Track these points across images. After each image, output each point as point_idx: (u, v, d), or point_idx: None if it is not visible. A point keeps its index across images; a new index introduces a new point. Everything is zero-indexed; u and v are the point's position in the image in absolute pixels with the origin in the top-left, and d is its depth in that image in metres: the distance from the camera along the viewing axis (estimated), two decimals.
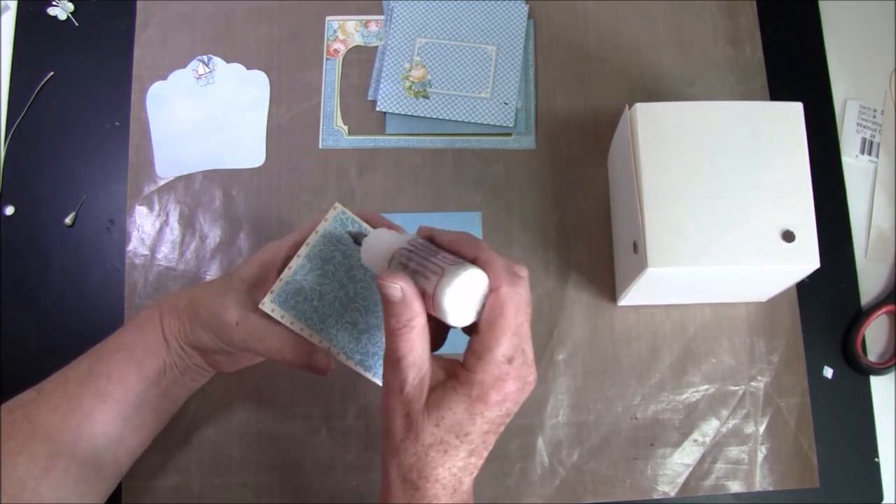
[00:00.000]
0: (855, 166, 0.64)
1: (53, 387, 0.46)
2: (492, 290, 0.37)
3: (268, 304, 0.46)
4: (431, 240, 0.41)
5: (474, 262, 0.38)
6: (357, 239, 0.46)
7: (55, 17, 0.65)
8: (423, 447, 0.37)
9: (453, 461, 0.38)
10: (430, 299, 0.37)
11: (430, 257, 0.39)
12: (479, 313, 0.38)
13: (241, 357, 0.53)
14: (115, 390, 0.46)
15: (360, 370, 0.47)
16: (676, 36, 0.65)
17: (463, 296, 0.37)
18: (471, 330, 0.39)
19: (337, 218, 0.46)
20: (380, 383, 0.46)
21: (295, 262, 0.46)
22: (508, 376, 0.37)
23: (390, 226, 0.48)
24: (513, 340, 0.37)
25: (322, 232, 0.46)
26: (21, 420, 0.45)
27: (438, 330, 0.42)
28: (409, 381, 0.38)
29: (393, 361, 0.38)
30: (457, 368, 0.38)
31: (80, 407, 0.45)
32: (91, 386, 0.46)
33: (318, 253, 0.46)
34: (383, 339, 0.45)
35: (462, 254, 0.39)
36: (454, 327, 0.38)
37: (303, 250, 0.46)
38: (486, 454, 0.39)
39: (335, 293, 0.47)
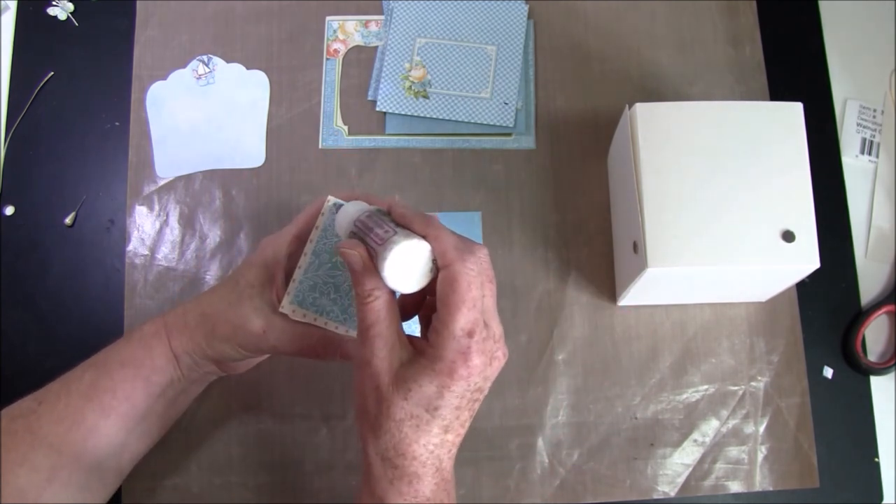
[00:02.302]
0: (855, 166, 0.64)
1: (55, 398, 0.45)
2: (443, 266, 0.38)
3: (287, 307, 0.46)
4: (389, 213, 0.42)
5: (424, 238, 0.39)
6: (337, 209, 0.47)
7: (55, 17, 0.65)
8: (395, 423, 0.37)
9: (428, 437, 0.38)
10: None
11: (377, 228, 0.40)
12: (426, 284, 0.39)
13: (253, 359, 0.52)
14: (120, 405, 0.45)
15: None
16: (676, 36, 0.65)
17: (403, 264, 0.38)
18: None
19: (332, 210, 0.47)
20: None
21: (303, 261, 0.46)
22: (471, 350, 0.37)
23: (382, 203, 0.47)
24: (469, 315, 0.37)
25: (322, 227, 0.47)
26: (22, 431, 0.44)
27: (411, 305, 0.43)
28: (376, 352, 0.38)
29: (361, 332, 0.39)
30: (423, 345, 0.39)
31: (85, 420, 0.45)
32: (95, 400, 0.45)
33: (323, 247, 0.47)
34: None
35: (412, 229, 0.39)
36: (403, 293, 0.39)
37: (308, 248, 0.46)
38: (462, 432, 0.39)
39: (349, 282, 0.47)
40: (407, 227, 0.40)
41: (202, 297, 0.48)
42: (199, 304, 0.47)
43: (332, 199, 0.47)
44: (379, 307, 0.39)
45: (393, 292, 0.40)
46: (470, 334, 0.37)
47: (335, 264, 0.47)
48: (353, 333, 0.47)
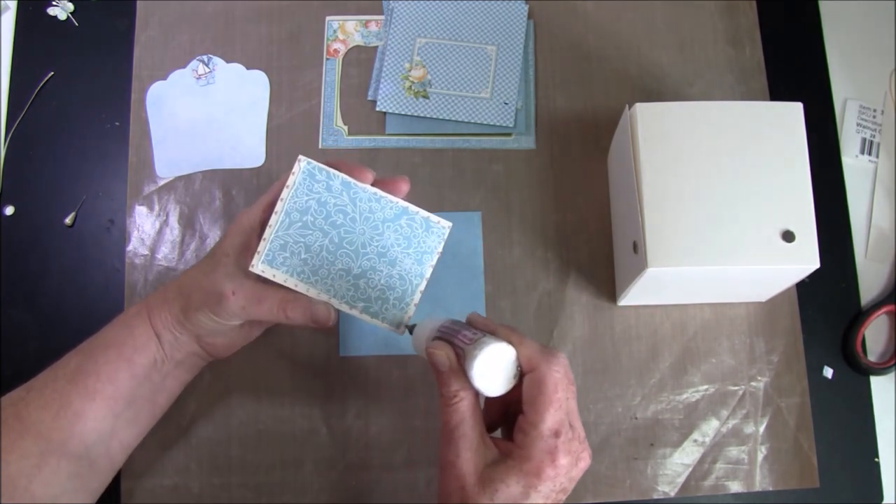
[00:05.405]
0: (855, 166, 0.64)
1: (42, 385, 0.46)
2: (530, 370, 0.40)
3: (258, 266, 0.46)
4: (470, 323, 0.44)
5: (509, 342, 0.41)
6: (411, 330, 0.48)
7: (55, 17, 0.65)
8: None
9: None
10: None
11: (465, 330, 0.41)
12: (510, 388, 0.40)
13: (236, 338, 0.52)
14: (104, 388, 0.46)
15: (366, 318, 0.48)
16: (676, 36, 0.65)
17: (491, 365, 0.40)
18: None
19: (304, 170, 0.47)
20: (388, 328, 0.48)
21: (274, 220, 0.47)
22: (558, 450, 0.39)
23: (354, 167, 0.48)
24: (556, 415, 0.39)
25: (293, 185, 0.47)
26: (11, 419, 0.44)
27: (494, 412, 0.45)
28: (461, 453, 0.39)
29: (446, 434, 0.40)
30: (509, 446, 0.40)
31: (71, 405, 0.45)
32: (80, 384, 0.46)
33: (295, 206, 0.47)
34: (382, 280, 0.48)
35: (496, 335, 0.41)
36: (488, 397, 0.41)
37: (279, 206, 0.47)
38: None
39: (320, 242, 0.47)
40: (491, 333, 0.42)
41: (182, 274, 0.50)
42: (178, 280, 0.49)
43: (303, 160, 0.47)
44: (464, 408, 0.40)
45: (477, 394, 0.41)
46: (556, 434, 0.39)
47: (306, 224, 0.47)
48: (324, 297, 0.47)
